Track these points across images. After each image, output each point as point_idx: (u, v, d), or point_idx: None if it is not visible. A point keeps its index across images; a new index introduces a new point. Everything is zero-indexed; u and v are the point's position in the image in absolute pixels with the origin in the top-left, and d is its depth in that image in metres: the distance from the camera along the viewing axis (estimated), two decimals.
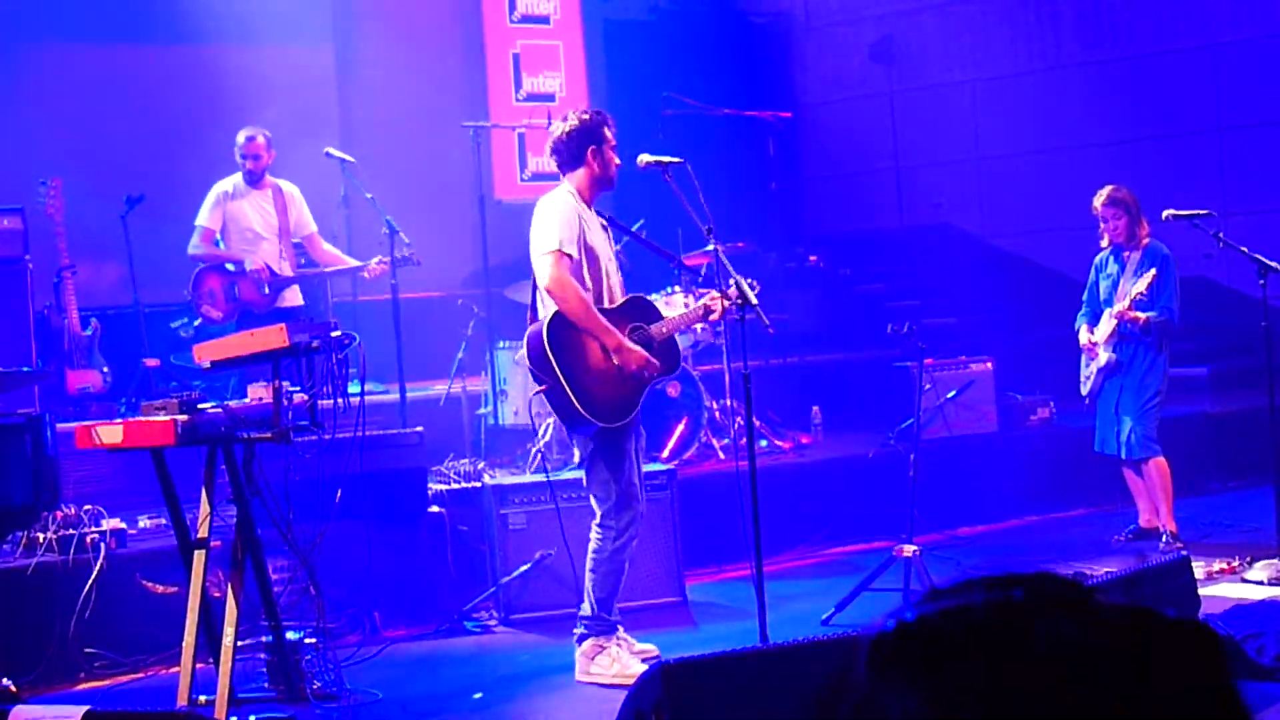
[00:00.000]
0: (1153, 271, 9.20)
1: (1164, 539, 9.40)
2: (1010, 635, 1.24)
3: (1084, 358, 9.69)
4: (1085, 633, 1.23)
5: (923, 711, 1.23)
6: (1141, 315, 9.27)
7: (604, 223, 7.34)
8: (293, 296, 10.12)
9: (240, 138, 10.05)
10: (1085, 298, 9.77)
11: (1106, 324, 9.46)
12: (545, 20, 13.85)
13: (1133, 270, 9.40)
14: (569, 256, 6.94)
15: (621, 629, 7.33)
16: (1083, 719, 1.19)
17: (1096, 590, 1.31)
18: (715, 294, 7.16)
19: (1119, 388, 9.49)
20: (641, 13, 15.73)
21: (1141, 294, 9.19)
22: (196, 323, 9.91)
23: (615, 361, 6.94)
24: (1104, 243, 9.59)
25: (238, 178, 10.06)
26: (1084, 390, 9.72)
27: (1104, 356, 9.50)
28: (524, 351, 7.12)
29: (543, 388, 6.93)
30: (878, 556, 8.45)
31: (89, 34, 12.09)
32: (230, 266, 9.90)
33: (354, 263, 10.15)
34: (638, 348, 7.00)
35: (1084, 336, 9.63)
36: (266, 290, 9.87)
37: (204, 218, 9.96)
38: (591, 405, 6.90)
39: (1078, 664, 1.21)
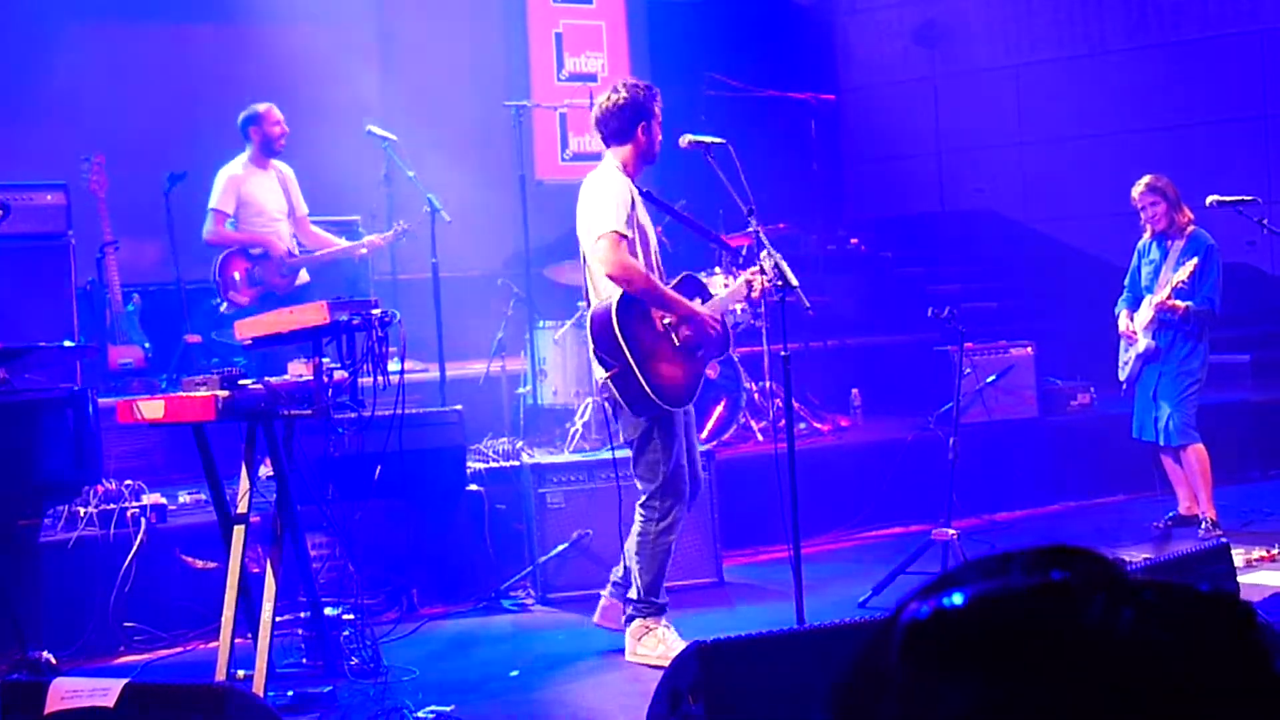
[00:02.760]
0: (1194, 261, 9.14)
1: (1203, 526, 9.34)
2: (1057, 620, 1.22)
3: (1123, 343, 9.63)
4: (1134, 613, 1.21)
5: (970, 706, 1.20)
6: (1181, 304, 9.21)
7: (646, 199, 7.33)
8: (303, 276, 9.99)
9: (260, 108, 9.80)
10: (1127, 282, 9.71)
11: (1146, 310, 9.40)
12: (588, 0, 13.84)
13: (1175, 258, 9.34)
14: (625, 238, 6.85)
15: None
16: (1143, 703, 1.18)
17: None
18: (754, 269, 7.11)
19: (1158, 374, 9.44)
20: None
21: (1182, 283, 9.14)
22: (224, 308, 9.85)
23: (680, 337, 6.90)
24: (1147, 230, 9.54)
25: (244, 158, 9.85)
26: (1122, 376, 9.66)
27: (1143, 342, 9.44)
28: (586, 333, 7.00)
29: (612, 371, 6.84)
30: (916, 540, 8.43)
31: (133, 13, 12.15)
32: (254, 250, 9.82)
33: (346, 244, 10.06)
34: (708, 312, 7.01)
35: (1123, 322, 9.58)
36: (286, 271, 9.81)
37: (216, 200, 9.77)
38: (660, 388, 6.84)
39: (1132, 647, 1.19)
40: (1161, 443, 9.54)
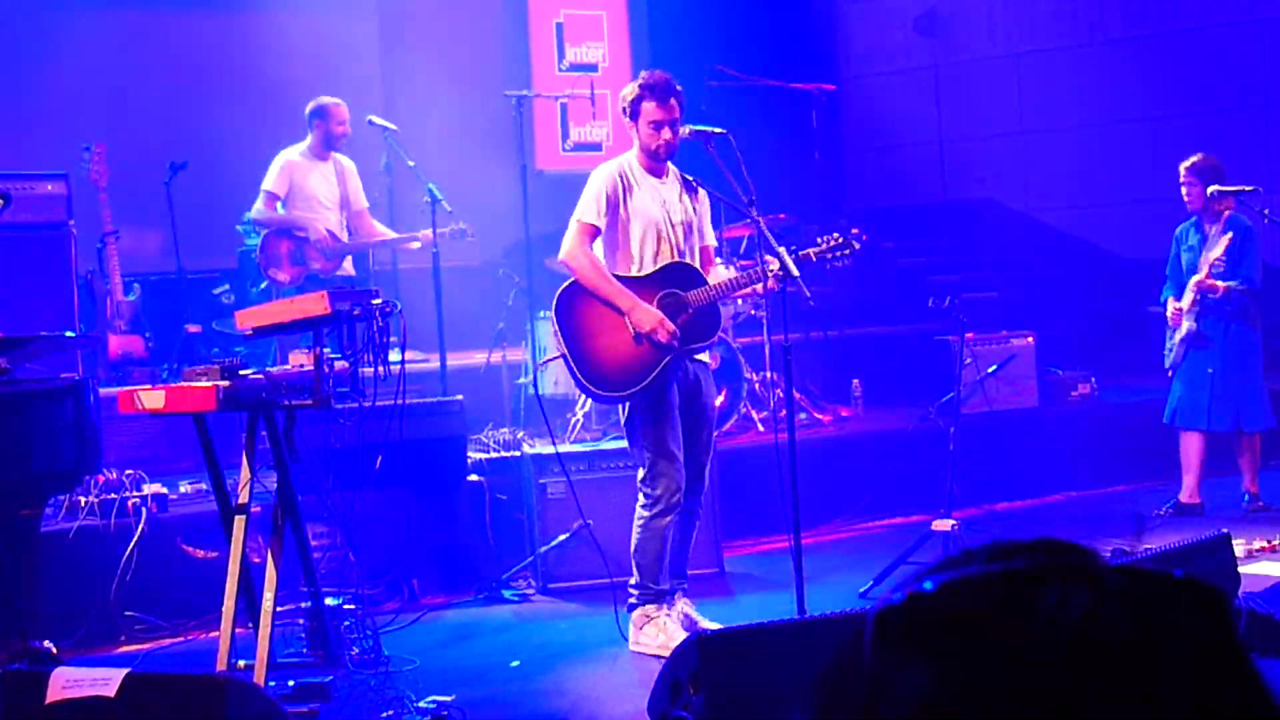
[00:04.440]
0: (1228, 235, 9.22)
1: (1246, 499, 9.69)
2: (1014, 606, 1.24)
3: (1169, 330, 9.65)
4: (1091, 599, 1.23)
5: (930, 689, 1.23)
6: (1221, 284, 9.26)
7: (693, 186, 7.33)
8: (349, 266, 10.24)
9: (327, 101, 10.17)
10: (1169, 271, 9.77)
11: (1188, 293, 9.45)
12: None
13: (1213, 242, 9.39)
14: (593, 226, 7.05)
15: (682, 598, 7.34)
16: (1094, 686, 1.20)
17: (1106, 557, 1.31)
18: (772, 264, 7.02)
19: (1207, 360, 9.46)
20: None
21: (1219, 260, 9.21)
22: (263, 285, 9.97)
23: (629, 326, 6.97)
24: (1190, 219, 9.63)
25: (304, 147, 10.16)
26: (1168, 362, 9.68)
27: (1186, 325, 9.47)
28: None
29: (553, 357, 7.04)
30: (916, 531, 8.45)
31: (134, 1, 12.12)
32: (299, 232, 9.97)
33: (402, 235, 10.19)
34: (652, 310, 7.00)
35: (1171, 307, 9.61)
36: (330, 256, 9.97)
37: (270, 183, 10.05)
38: (593, 374, 7.00)
39: (1085, 631, 1.21)
40: (1206, 427, 9.59)
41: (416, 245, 10.13)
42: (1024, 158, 15.40)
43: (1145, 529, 9.40)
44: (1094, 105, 14.79)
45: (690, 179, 7.34)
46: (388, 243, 10.31)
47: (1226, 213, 9.41)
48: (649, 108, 7.14)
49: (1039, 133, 15.27)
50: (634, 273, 7.11)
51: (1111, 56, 14.74)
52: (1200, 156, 9.53)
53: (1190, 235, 9.60)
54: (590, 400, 8.96)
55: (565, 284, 7.08)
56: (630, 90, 7.23)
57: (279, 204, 10.04)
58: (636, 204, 7.12)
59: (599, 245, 7.13)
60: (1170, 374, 9.72)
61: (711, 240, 7.51)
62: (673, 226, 7.20)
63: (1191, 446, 9.72)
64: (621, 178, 7.12)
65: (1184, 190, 9.50)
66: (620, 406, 7.22)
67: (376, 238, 10.31)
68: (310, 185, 10.10)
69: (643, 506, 7.15)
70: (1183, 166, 9.52)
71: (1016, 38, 15.44)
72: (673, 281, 7.13)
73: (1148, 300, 10.60)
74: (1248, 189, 9.39)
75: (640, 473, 7.16)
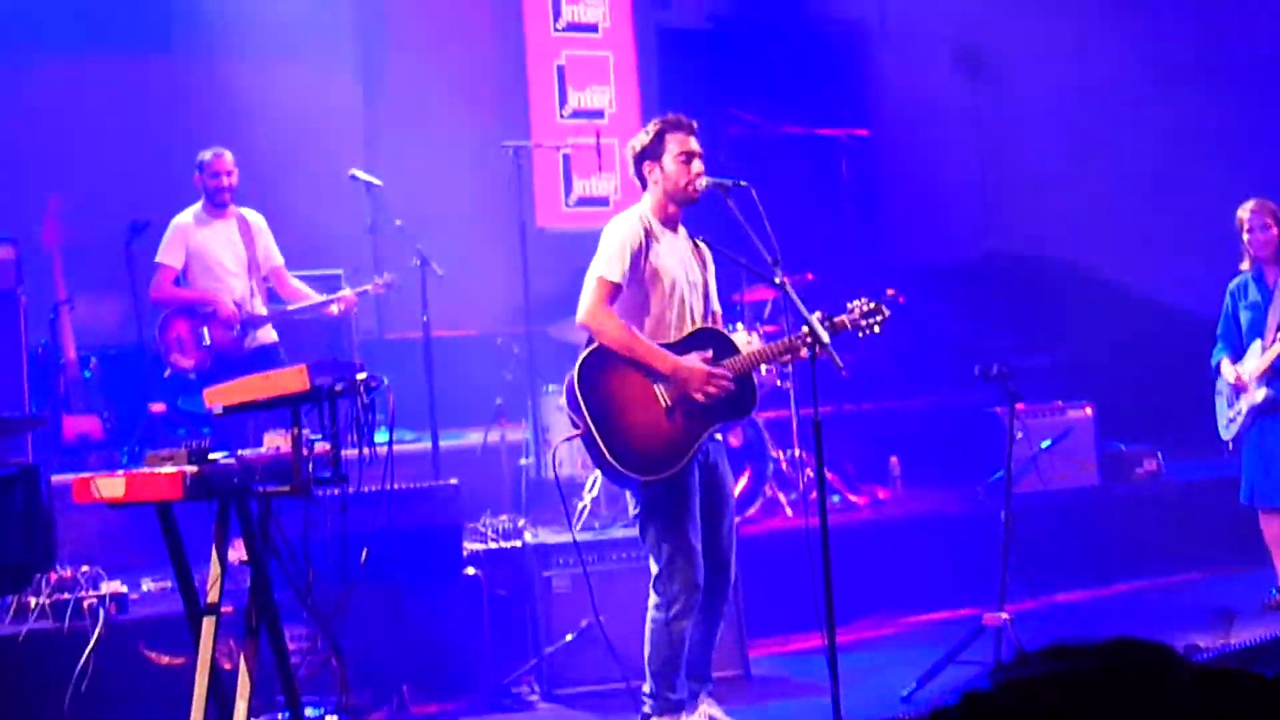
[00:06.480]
0: None
1: None
2: (1082, 712, 1.24)
3: (1220, 399, 9.54)
4: (1168, 704, 1.22)
5: None
6: None
7: (697, 245, 7.33)
8: (266, 335, 10.06)
9: (206, 155, 9.97)
10: (1220, 331, 9.62)
11: (1257, 357, 9.32)
12: (594, 29, 13.89)
13: None
14: (615, 285, 6.96)
15: (707, 699, 7.30)
16: None
17: (1186, 658, 1.31)
18: (804, 334, 6.96)
19: (1276, 429, 9.36)
20: (700, 20, 15.76)
21: None
22: (166, 373, 9.84)
23: (667, 396, 6.88)
24: (1244, 265, 9.50)
25: (198, 208, 10.00)
26: (1228, 434, 9.54)
27: (1259, 393, 9.34)
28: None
29: (575, 433, 6.91)
30: (964, 626, 8.41)
31: (91, 44, 12.18)
32: (203, 308, 9.84)
33: (322, 298, 10.10)
34: (696, 364, 6.93)
35: (1229, 372, 9.45)
36: (237, 331, 9.80)
37: (164, 254, 9.88)
38: (624, 454, 6.84)
39: None
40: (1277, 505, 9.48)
41: (336, 310, 10.04)
42: (1079, 207, 15.40)
43: (1233, 622, 9.33)
44: (1159, 147, 14.78)
45: (694, 239, 7.34)
46: (308, 309, 10.17)
47: None
48: (675, 138, 7.15)
49: (1096, 179, 15.28)
50: (657, 340, 7.05)
51: (1181, 90, 14.74)
52: (1264, 200, 9.48)
53: (1250, 290, 9.50)
54: (603, 482, 8.94)
55: (586, 350, 6.95)
56: (648, 130, 7.23)
57: (177, 278, 9.92)
58: (660, 260, 7.08)
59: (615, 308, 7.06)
60: (1231, 447, 9.65)
61: (717, 306, 7.49)
62: (691, 286, 7.19)
63: (1276, 528, 9.62)
64: (645, 231, 7.07)
65: (1255, 235, 9.42)
66: (631, 493, 7.13)
67: (297, 301, 10.17)
68: (211, 250, 9.93)
69: (656, 607, 7.08)
70: (1246, 210, 9.45)
71: (1071, 72, 15.48)
72: (703, 350, 7.08)
73: None
74: None
75: (654, 568, 7.09)
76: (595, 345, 6.94)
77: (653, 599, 7.11)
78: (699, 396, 6.88)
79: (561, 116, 13.66)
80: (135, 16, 12.14)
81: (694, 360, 6.94)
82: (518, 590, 8.84)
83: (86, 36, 12.13)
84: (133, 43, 12.34)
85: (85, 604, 7.81)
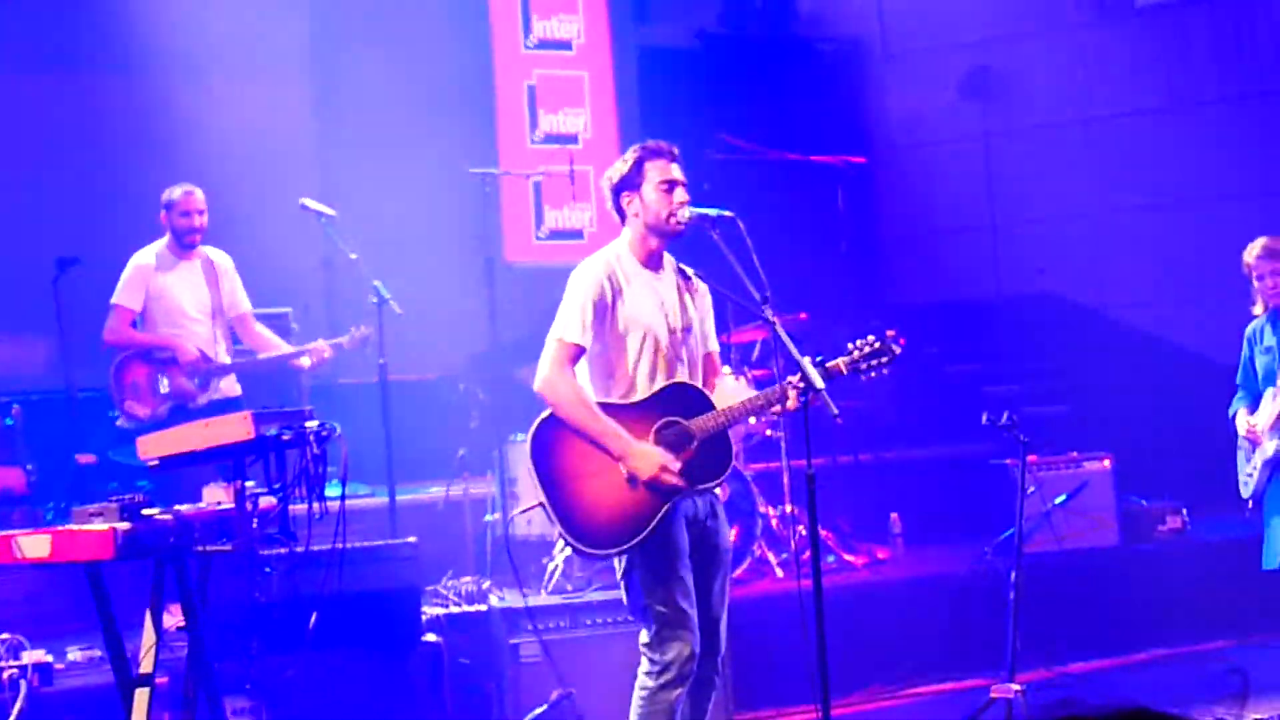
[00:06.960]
0: None
1: None
2: None
3: (1241, 453, 9.51)
4: None
5: None
6: None
7: (689, 279, 7.25)
8: (229, 386, 10.00)
9: (176, 193, 9.89)
10: (1239, 379, 9.59)
11: (1271, 407, 9.29)
12: (567, 46, 13.91)
13: None
14: (575, 346, 6.86)
15: None
16: None
17: None
18: (794, 379, 6.92)
19: None
20: (685, 38, 15.80)
21: None
22: (120, 422, 9.79)
23: (624, 471, 6.84)
24: (1256, 309, 9.48)
25: (161, 246, 9.94)
26: (1245, 491, 9.48)
27: (1270, 446, 9.31)
28: None
29: (531, 506, 6.87)
30: (972, 698, 8.41)
31: (14, 59, 12.14)
32: (161, 353, 9.78)
33: (291, 349, 10.05)
34: (652, 449, 6.84)
35: (1243, 424, 9.43)
36: (198, 382, 9.74)
37: (121, 295, 9.83)
38: (580, 527, 6.77)
39: None
40: None
41: (307, 363, 9.99)
42: (1094, 244, 15.45)
43: (1249, 692, 9.34)
44: (1178, 180, 14.84)
45: (687, 270, 7.27)
46: (276, 360, 10.12)
47: None
48: (656, 166, 7.08)
49: (1111, 213, 15.32)
50: (626, 398, 6.99)
51: (1200, 122, 14.82)
52: (1271, 239, 9.44)
53: (1266, 334, 9.47)
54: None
55: (542, 415, 6.86)
56: (626, 158, 7.16)
57: (135, 320, 9.88)
58: (630, 310, 7.00)
59: (583, 364, 7.00)
60: (1250, 505, 9.61)
61: (714, 345, 7.41)
62: (671, 333, 7.12)
63: None
64: (610, 280, 6.98)
65: (1265, 281, 9.38)
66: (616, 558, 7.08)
67: (265, 351, 10.13)
68: (172, 293, 9.88)
69: (647, 674, 7.01)
70: (1252, 253, 9.39)
71: (1084, 100, 15.54)
72: (673, 407, 6.99)
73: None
74: None
75: (644, 635, 7.04)
76: (549, 412, 6.86)
77: (643, 665, 7.03)
78: (659, 483, 6.82)
79: (532, 141, 13.66)
80: (64, 30, 12.10)
81: (647, 447, 6.87)
82: (482, 659, 8.80)
83: (8, 50, 12.07)
84: (63, 58, 12.29)
85: (5, 675, 7.75)
